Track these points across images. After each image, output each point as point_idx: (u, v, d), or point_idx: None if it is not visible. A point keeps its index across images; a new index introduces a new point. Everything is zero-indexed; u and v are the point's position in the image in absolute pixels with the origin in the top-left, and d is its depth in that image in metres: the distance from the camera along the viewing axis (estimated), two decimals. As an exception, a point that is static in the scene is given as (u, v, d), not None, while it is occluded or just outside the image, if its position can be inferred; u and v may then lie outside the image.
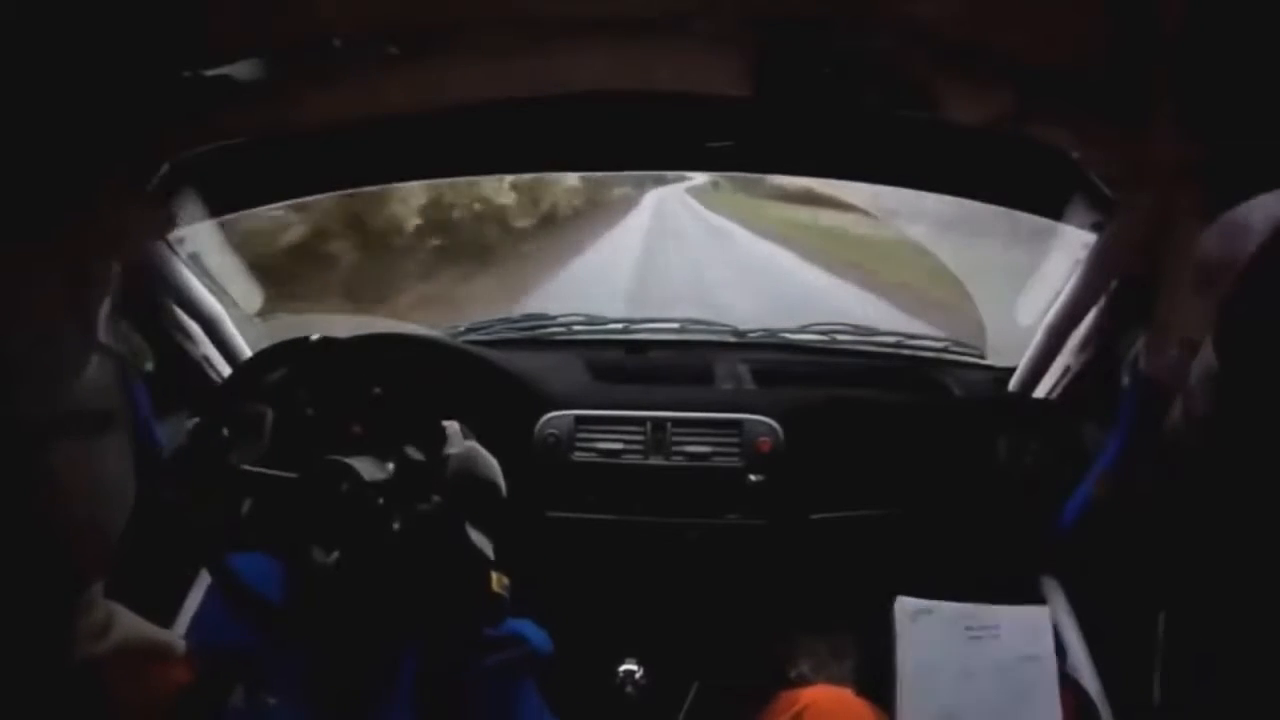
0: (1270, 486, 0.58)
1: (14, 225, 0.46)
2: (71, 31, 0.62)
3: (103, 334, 0.51)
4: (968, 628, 0.98)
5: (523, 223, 6.89)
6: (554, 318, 1.52)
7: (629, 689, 1.25)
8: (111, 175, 0.86)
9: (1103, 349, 1.13)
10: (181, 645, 0.58)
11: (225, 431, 0.91)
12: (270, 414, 1.16)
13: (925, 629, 0.97)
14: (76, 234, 0.51)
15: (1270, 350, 0.52)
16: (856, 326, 1.48)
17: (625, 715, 1.24)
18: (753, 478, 1.17)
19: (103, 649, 0.51)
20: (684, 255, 7.18)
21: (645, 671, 1.25)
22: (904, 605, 0.98)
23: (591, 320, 1.52)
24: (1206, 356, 0.58)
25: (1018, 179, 1.07)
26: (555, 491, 1.19)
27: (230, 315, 1.27)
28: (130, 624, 0.54)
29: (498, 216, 6.42)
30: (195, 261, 1.21)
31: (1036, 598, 1.19)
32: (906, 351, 1.46)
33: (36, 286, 0.46)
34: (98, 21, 0.63)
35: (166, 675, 0.55)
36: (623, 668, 1.25)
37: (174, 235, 1.13)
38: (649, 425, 1.19)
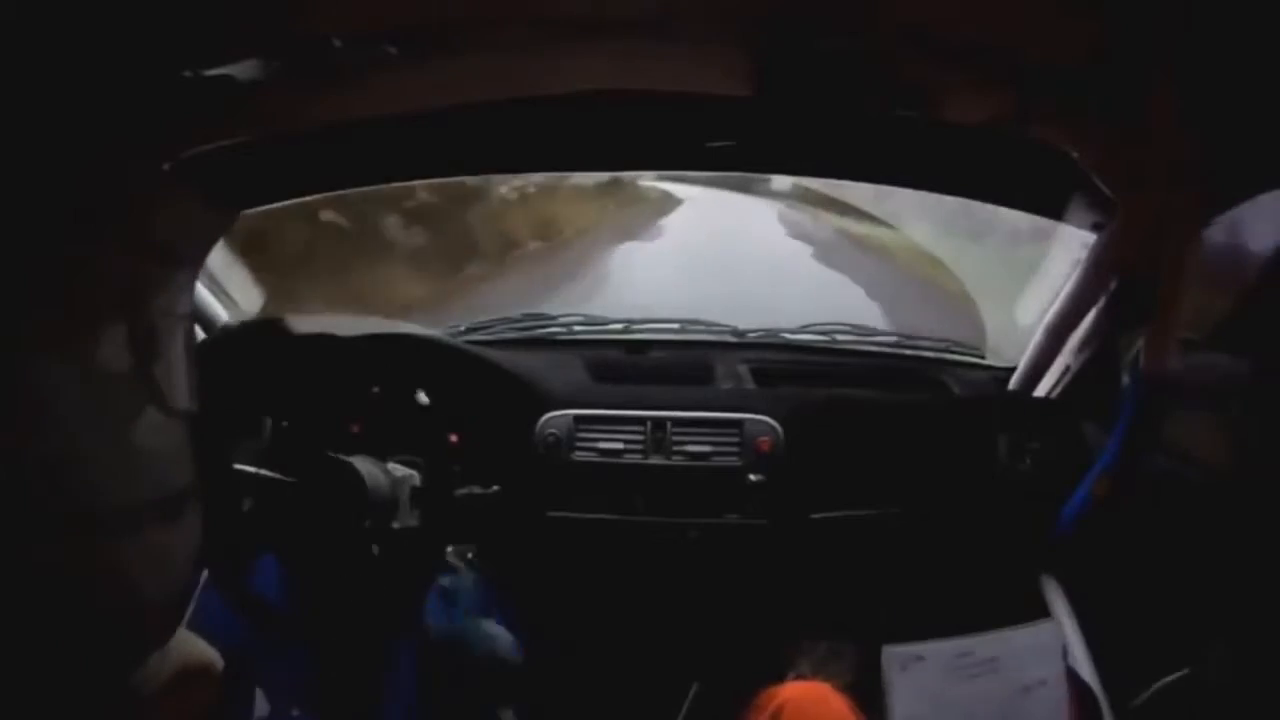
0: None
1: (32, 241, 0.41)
2: (71, 31, 0.62)
3: (178, 392, 0.45)
4: (965, 667, 0.90)
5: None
6: (554, 318, 1.52)
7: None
8: (115, 177, 0.86)
9: (1103, 349, 1.13)
10: (220, 662, 0.57)
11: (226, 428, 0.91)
12: (270, 413, 1.16)
13: (916, 678, 0.90)
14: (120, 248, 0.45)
15: None
16: (856, 326, 1.49)
17: (625, 715, 1.24)
18: (753, 477, 1.17)
19: (162, 680, 0.50)
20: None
21: (632, 669, 1.25)
22: (891, 655, 0.90)
23: (591, 320, 1.52)
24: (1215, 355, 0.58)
25: (1018, 179, 1.07)
26: (555, 491, 1.19)
27: (230, 315, 1.27)
28: (182, 649, 0.53)
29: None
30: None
31: (1036, 597, 1.19)
32: (906, 351, 1.46)
33: (95, 331, 0.40)
34: (97, 21, 0.63)
35: (206, 693, 0.54)
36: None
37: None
38: (649, 425, 1.19)
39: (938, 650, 0.90)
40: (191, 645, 0.54)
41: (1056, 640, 0.91)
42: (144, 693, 0.48)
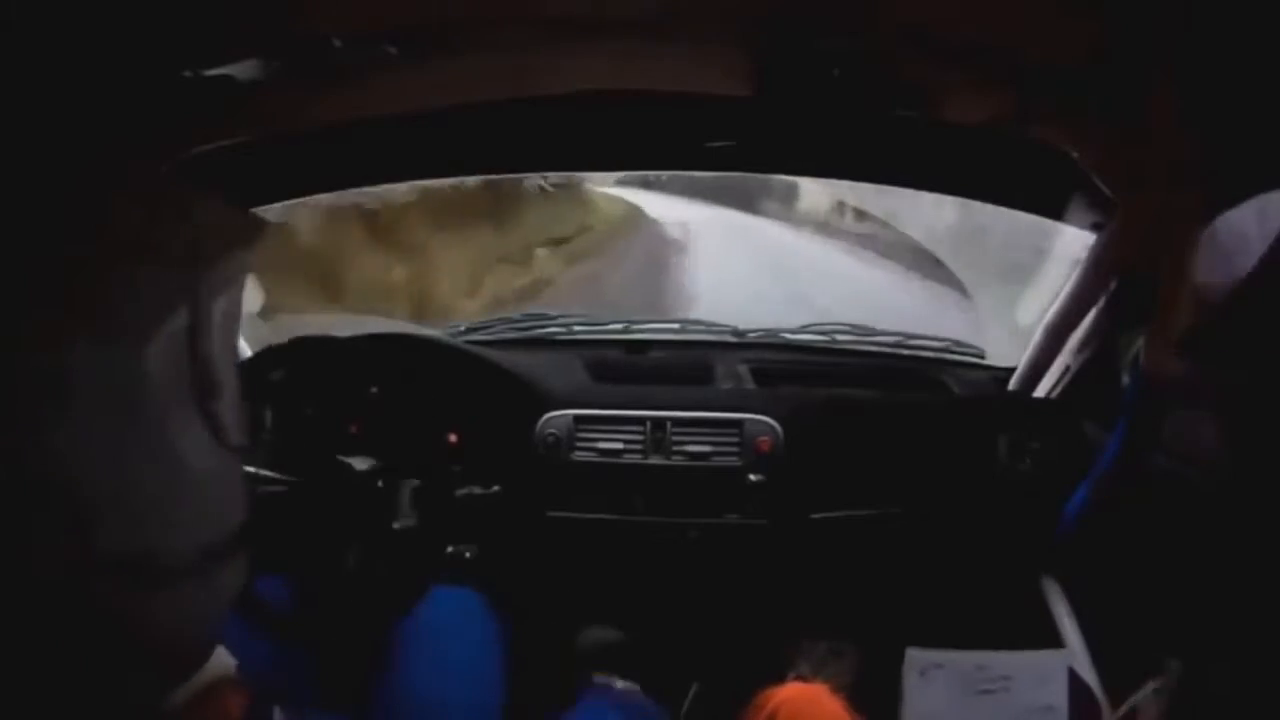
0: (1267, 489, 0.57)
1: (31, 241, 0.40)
2: (71, 32, 0.62)
3: (228, 428, 0.41)
4: (979, 681, 0.92)
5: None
6: (554, 317, 1.52)
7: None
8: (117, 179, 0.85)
9: (1103, 349, 1.13)
10: (234, 668, 0.56)
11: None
12: (270, 414, 1.16)
13: (934, 684, 0.91)
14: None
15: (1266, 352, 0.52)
16: (856, 326, 1.49)
17: None
18: (753, 477, 1.17)
19: (187, 692, 0.48)
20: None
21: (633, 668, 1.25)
22: (914, 659, 0.92)
23: (591, 320, 1.52)
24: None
25: (1018, 179, 1.07)
26: (555, 491, 1.19)
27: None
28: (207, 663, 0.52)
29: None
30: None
31: (1036, 597, 1.19)
32: (906, 351, 1.46)
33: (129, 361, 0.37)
34: (97, 21, 0.63)
35: (227, 704, 0.53)
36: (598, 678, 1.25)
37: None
38: (649, 425, 1.19)
39: (957, 660, 0.91)
40: (214, 658, 0.53)
41: (1064, 667, 0.92)
42: (172, 701, 0.47)
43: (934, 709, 0.89)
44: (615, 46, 0.80)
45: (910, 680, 0.90)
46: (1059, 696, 0.90)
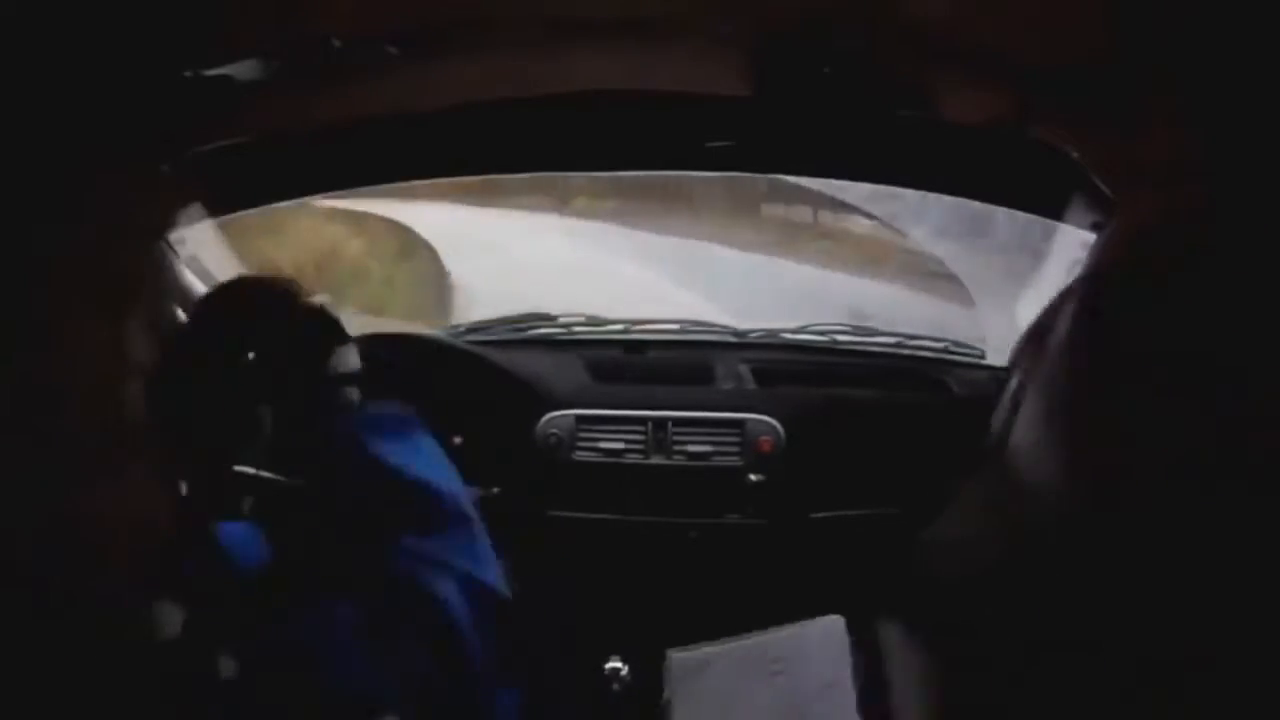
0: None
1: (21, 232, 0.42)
2: (72, 32, 0.62)
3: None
4: (757, 666, 0.85)
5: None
6: (554, 318, 1.52)
7: (622, 687, 1.25)
8: (115, 177, 0.85)
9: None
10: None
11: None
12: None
13: (703, 684, 0.85)
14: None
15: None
16: (856, 327, 1.49)
17: (626, 715, 1.24)
18: (753, 477, 1.17)
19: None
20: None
21: (632, 669, 1.25)
22: (676, 661, 0.85)
23: (592, 320, 1.52)
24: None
25: (1018, 179, 1.07)
26: (557, 491, 1.19)
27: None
28: None
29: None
30: (195, 262, 1.21)
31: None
32: (906, 352, 1.46)
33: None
34: (98, 22, 0.63)
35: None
36: (609, 665, 1.25)
37: (174, 235, 1.13)
38: (650, 425, 1.19)
39: (724, 653, 0.86)
40: None
41: (843, 639, 0.85)
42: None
43: (709, 711, 0.83)
44: (615, 46, 0.80)
45: (677, 682, 0.84)
46: (839, 669, 0.83)
